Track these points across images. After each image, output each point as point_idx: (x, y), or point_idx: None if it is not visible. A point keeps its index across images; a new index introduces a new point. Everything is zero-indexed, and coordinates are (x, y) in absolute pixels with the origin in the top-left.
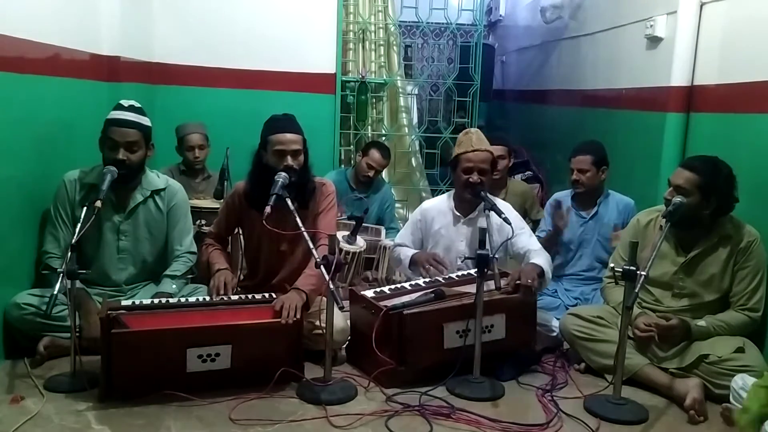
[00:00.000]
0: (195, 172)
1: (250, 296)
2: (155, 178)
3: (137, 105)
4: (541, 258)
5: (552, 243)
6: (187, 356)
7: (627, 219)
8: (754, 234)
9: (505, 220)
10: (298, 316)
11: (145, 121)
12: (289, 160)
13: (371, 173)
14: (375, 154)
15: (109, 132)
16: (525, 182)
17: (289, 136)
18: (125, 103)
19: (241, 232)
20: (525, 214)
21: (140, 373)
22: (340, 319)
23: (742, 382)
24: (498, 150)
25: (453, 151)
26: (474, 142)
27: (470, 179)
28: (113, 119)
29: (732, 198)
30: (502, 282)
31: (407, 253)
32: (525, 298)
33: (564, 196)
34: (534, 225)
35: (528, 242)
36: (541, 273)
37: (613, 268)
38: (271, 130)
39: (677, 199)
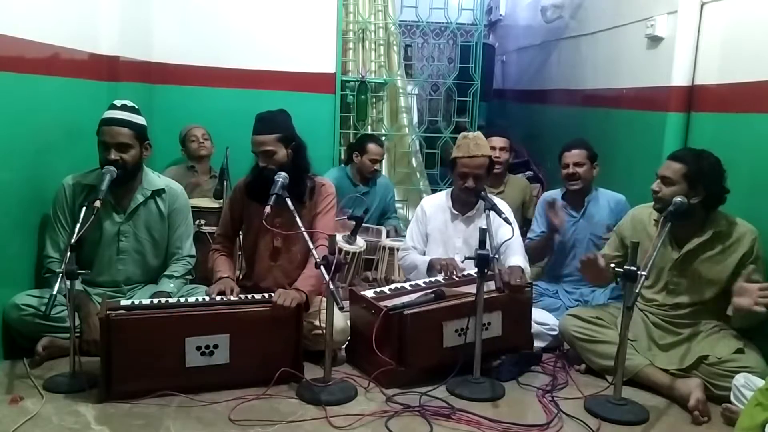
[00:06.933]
0: (201, 165)
1: (249, 296)
2: (155, 178)
3: (130, 104)
4: (519, 256)
5: (548, 244)
6: (185, 348)
7: (621, 216)
8: (753, 231)
9: (506, 220)
10: (293, 305)
11: (138, 119)
12: (262, 162)
13: (377, 166)
14: (373, 147)
15: (101, 132)
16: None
17: (256, 137)
18: (118, 102)
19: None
20: (522, 211)
21: (139, 370)
22: (340, 319)
23: (743, 380)
24: (499, 142)
25: (452, 151)
26: (471, 147)
27: (466, 184)
28: (104, 119)
29: (721, 188)
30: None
31: (423, 259)
32: (517, 296)
33: (554, 195)
34: (527, 223)
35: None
36: (523, 271)
37: (614, 268)
38: (252, 129)
39: (678, 199)
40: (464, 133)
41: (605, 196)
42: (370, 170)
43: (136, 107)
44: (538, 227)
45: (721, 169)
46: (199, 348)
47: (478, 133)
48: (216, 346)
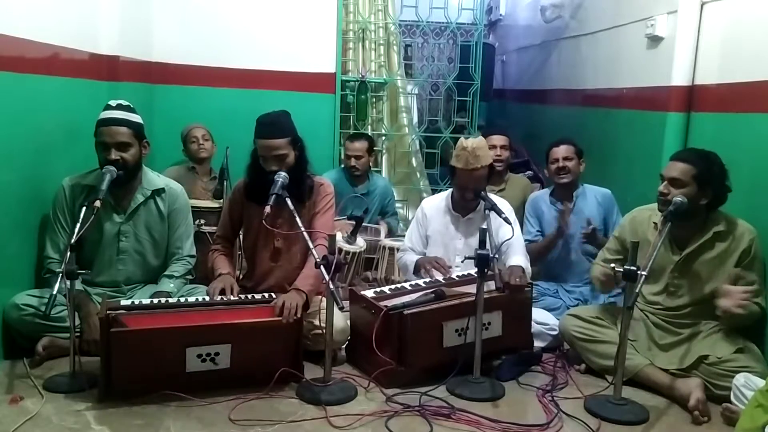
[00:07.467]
0: (202, 166)
1: (249, 296)
2: (155, 178)
3: (125, 103)
4: (519, 255)
5: (551, 247)
6: (186, 356)
7: (608, 209)
8: (752, 231)
9: (506, 220)
10: (299, 316)
11: (135, 118)
12: (273, 166)
13: (352, 162)
14: (348, 144)
15: (99, 133)
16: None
17: (271, 142)
18: (113, 102)
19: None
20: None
21: (140, 373)
22: (340, 319)
23: (744, 380)
24: (500, 140)
25: (452, 154)
26: (470, 161)
27: (465, 195)
28: (102, 119)
29: (726, 188)
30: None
31: (412, 259)
32: (517, 296)
33: (542, 194)
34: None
35: (512, 239)
36: (523, 271)
37: (614, 268)
38: (256, 133)
39: (678, 198)
40: (462, 141)
41: (592, 190)
42: (350, 165)
43: (132, 106)
44: (532, 227)
45: (725, 169)
46: (200, 356)
47: (478, 140)
48: (217, 354)
